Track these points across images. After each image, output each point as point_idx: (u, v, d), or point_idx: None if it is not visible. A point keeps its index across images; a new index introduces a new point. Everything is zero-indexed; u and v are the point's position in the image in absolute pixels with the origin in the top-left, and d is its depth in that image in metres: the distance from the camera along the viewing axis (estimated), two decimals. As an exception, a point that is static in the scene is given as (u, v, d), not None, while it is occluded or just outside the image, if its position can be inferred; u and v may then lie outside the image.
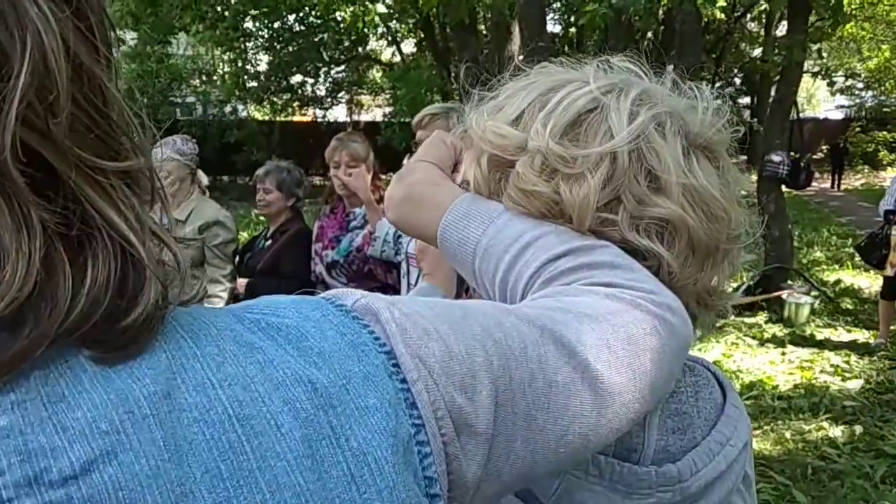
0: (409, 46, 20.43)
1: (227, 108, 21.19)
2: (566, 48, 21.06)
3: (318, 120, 23.27)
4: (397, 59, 20.50)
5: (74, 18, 0.34)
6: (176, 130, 19.86)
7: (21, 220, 0.31)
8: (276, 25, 17.65)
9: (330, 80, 21.83)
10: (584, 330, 0.49)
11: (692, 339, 0.60)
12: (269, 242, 3.24)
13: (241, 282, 3.18)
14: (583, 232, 0.61)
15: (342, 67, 21.33)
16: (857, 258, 7.56)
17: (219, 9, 13.21)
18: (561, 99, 0.64)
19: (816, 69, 23.81)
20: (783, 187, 6.93)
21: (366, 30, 16.38)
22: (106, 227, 0.35)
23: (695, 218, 0.62)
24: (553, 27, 18.77)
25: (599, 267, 0.57)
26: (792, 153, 6.94)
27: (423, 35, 14.18)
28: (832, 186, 20.10)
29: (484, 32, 14.06)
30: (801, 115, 7.22)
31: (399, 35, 18.52)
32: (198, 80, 20.99)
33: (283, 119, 21.87)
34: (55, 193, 0.33)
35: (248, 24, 16.23)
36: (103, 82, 0.36)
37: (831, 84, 25.94)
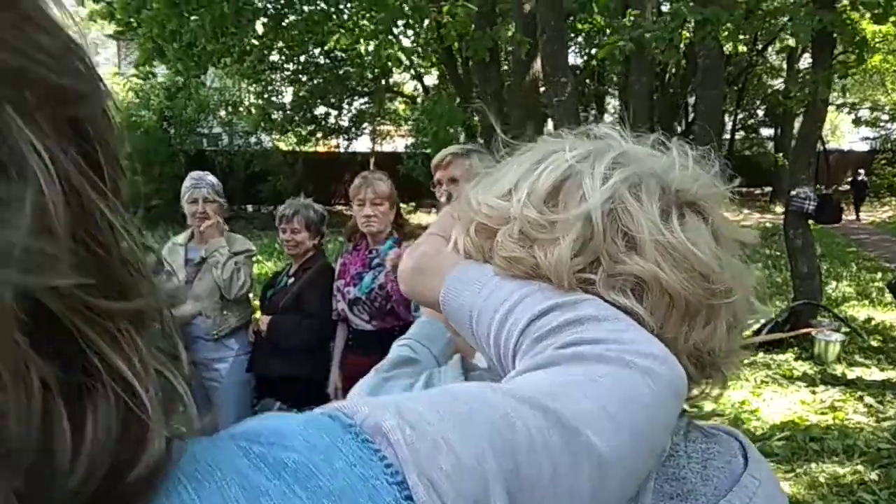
0: (432, 79, 20.69)
1: (253, 139, 21.54)
2: (588, 81, 21.27)
3: (341, 151, 23.55)
4: (420, 90, 20.78)
5: (80, 157, 0.32)
6: (203, 160, 20.19)
7: (16, 375, 0.28)
8: (301, 59, 18.00)
9: (353, 111, 22.16)
10: (581, 401, 0.50)
11: (685, 387, 0.58)
12: (292, 280, 3.23)
13: (264, 319, 3.17)
14: (565, 290, 0.62)
15: (365, 99, 21.66)
16: (888, 294, 7.40)
17: (245, 42, 13.50)
18: (542, 170, 0.67)
19: (840, 101, 23.68)
20: (810, 222, 6.82)
21: (388, 63, 16.65)
22: (109, 374, 0.32)
23: (669, 274, 0.62)
24: (574, 59, 18.93)
25: (584, 322, 0.58)
26: (818, 186, 6.85)
27: (445, 69, 14.35)
28: (856, 218, 19.87)
29: (506, 66, 14.21)
30: (825, 146, 7.14)
31: (422, 68, 18.77)
32: (224, 112, 21.38)
33: (306, 150, 22.17)
34: (55, 340, 0.30)
35: (274, 57, 16.56)
36: (110, 219, 0.33)
37: (857, 122, 25.75)
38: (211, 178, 3.36)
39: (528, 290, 0.62)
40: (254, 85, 19.23)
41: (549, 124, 9.50)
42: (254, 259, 3.39)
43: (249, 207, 20.35)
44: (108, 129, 0.35)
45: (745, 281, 0.67)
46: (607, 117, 23.19)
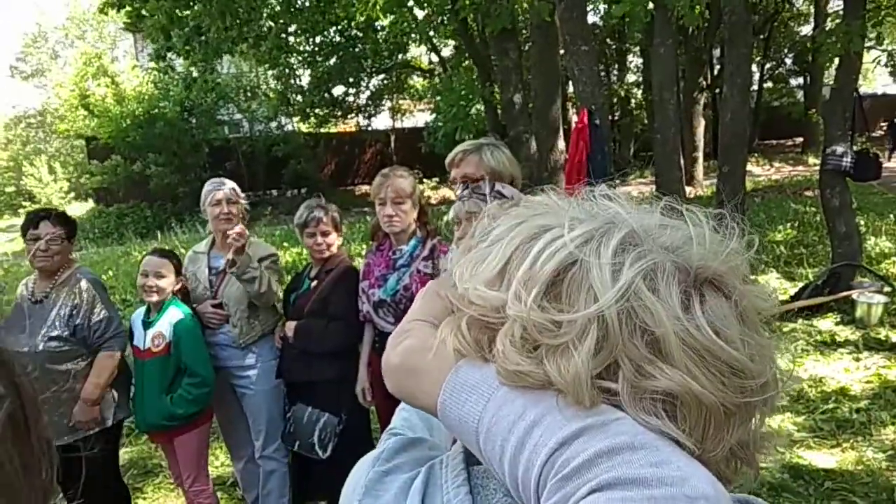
0: (449, 50, 20.36)
1: (273, 124, 21.52)
2: (608, 40, 20.73)
3: (362, 129, 23.43)
4: (437, 64, 20.48)
5: None
6: (226, 149, 20.33)
7: None
8: (317, 40, 17.84)
9: (371, 88, 21.97)
10: None
11: None
12: (315, 283, 3.18)
13: (290, 325, 3.13)
14: (586, 406, 0.54)
15: (383, 76, 21.43)
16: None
17: (260, 26, 13.39)
18: (537, 255, 0.58)
19: (870, 44, 22.73)
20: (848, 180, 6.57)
21: (405, 37, 16.40)
22: None
23: (703, 381, 0.53)
24: (594, 18, 18.45)
25: (618, 453, 0.49)
26: (853, 135, 6.56)
27: (461, 41, 14.07)
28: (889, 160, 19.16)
29: (524, 34, 13.88)
30: (859, 92, 6.83)
31: (438, 42, 18.46)
32: (243, 97, 21.36)
33: (326, 131, 22.10)
34: None
35: (290, 39, 16.43)
36: None
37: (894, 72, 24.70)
38: (230, 181, 3.33)
39: (544, 407, 0.54)
40: (271, 70, 19.13)
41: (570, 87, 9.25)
42: (277, 262, 3.34)
43: (274, 192, 20.40)
44: None
45: (771, 356, 0.59)
46: (630, 76, 22.65)
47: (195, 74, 18.11)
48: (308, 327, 3.09)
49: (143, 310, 3.19)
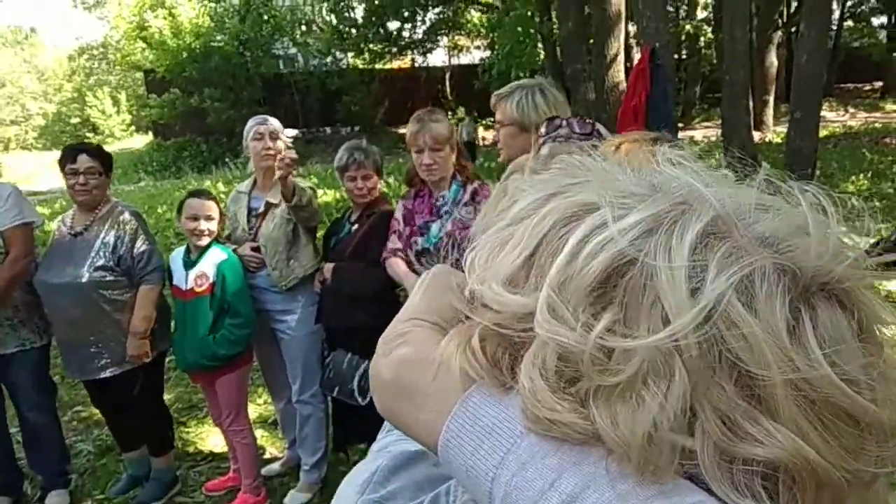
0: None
1: (329, 59, 21.30)
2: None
3: (417, 65, 23.01)
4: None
5: None
6: (280, 84, 20.33)
7: None
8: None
9: (427, 22, 21.42)
10: None
11: None
12: (356, 227, 3.09)
13: (328, 266, 3.07)
14: (649, 474, 0.37)
15: (439, 9, 20.84)
16: None
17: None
18: (578, 246, 0.41)
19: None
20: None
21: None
22: None
23: (818, 443, 0.37)
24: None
25: None
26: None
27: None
28: None
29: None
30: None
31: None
32: (298, 32, 21.15)
33: (381, 66, 21.77)
34: None
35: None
36: None
37: None
38: (273, 118, 3.25)
39: (588, 474, 0.38)
40: (325, 2, 18.83)
41: (632, 27, 8.72)
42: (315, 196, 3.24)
43: (328, 129, 20.35)
44: None
45: None
46: (700, 12, 21.45)
47: (250, 6, 17.94)
48: (346, 268, 3.02)
49: (181, 249, 3.16)
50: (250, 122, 3.19)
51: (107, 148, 3.20)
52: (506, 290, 0.43)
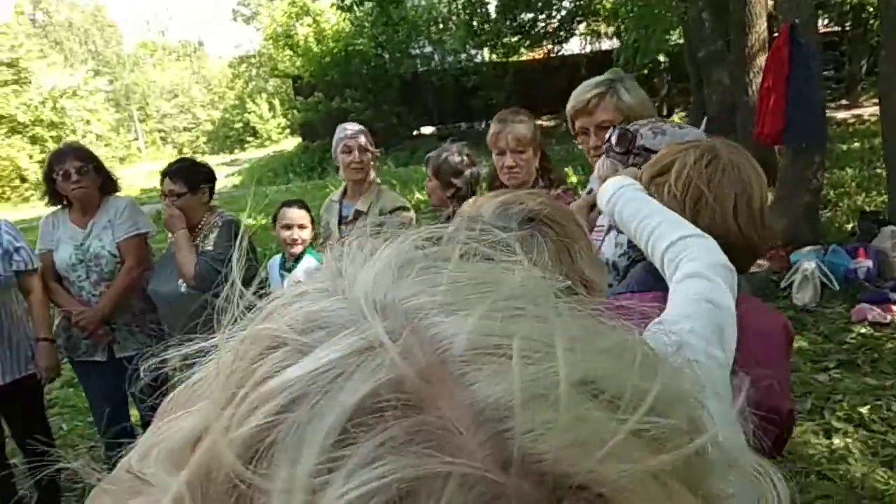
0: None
1: (463, 56, 21.45)
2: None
3: (552, 55, 22.57)
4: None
5: None
6: (416, 83, 20.65)
7: None
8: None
9: (562, 10, 20.93)
10: None
11: None
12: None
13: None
14: None
15: (574, -3, 20.30)
16: None
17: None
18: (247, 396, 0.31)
19: None
20: None
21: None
22: None
23: None
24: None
25: None
26: None
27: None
28: None
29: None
30: None
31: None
32: (433, 30, 21.47)
33: (515, 59, 21.58)
34: None
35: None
36: None
37: None
38: (360, 127, 3.29)
39: None
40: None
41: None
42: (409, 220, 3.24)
43: (462, 125, 20.51)
44: None
45: None
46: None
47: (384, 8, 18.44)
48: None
49: (278, 257, 3.28)
50: (339, 133, 3.23)
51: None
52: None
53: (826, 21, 18.45)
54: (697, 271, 1.12)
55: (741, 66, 7.87)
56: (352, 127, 3.30)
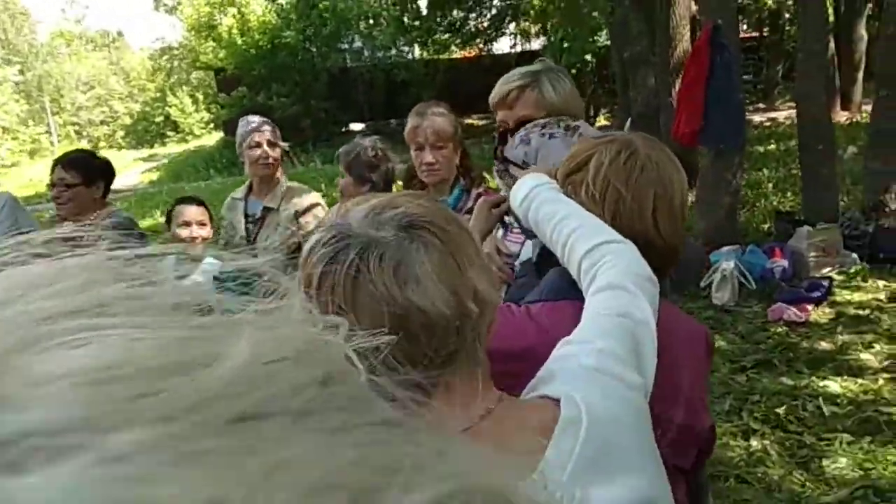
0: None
1: (394, 52, 21.24)
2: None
3: (483, 54, 22.63)
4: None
5: None
6: (345, 78, 20.41)
7: None
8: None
9: (493, 9, 21.00)
10: None
11: None
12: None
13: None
14: None
15: (503, -4, 20.39)
16: None
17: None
18: None
19: None
20: None
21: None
22: None
23: None
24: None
25: None
26: None
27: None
28: None
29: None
30: None
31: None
32: (363, 25, 21.17)
33: (445, 57, 21.54)
34: None
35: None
36: None
37: None
38: (266, 120, 3.08)
39: None
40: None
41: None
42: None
43: (393, 121, 20.30)
44: None
45: None
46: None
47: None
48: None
49: (172, 258, 3.02)
50: (243, 128, 3.01)
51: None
52: None
53: (745, 27, 19.13)
54: (615, 282, 1.04)
55: (666, 68, 7.98)
56: (255, 119, 3.08)
